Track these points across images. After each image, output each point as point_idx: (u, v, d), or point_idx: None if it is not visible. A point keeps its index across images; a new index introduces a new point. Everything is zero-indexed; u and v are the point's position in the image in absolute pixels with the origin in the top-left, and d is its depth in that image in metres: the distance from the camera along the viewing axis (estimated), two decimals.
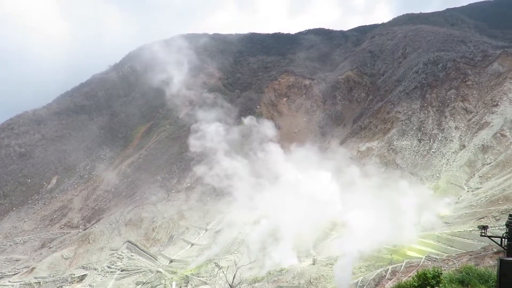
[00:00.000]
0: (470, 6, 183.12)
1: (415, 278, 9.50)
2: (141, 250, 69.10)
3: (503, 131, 69.98)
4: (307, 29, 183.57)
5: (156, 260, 66.55)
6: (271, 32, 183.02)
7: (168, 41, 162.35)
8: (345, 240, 46.89)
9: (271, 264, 52.21)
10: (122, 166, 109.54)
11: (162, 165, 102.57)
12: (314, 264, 48.03)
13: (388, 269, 38.39)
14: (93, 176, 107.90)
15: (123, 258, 66.51)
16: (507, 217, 11.31)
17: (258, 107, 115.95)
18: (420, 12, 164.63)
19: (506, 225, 10.77)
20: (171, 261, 65.97)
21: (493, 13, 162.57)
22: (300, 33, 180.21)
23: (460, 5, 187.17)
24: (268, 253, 56.24)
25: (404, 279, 29.86)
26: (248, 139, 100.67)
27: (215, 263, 57.10)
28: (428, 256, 39.99)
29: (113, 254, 69.19)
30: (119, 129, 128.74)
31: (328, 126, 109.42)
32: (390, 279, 35.79)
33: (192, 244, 70.81)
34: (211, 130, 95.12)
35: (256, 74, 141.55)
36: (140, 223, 79.29)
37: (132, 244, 70.68)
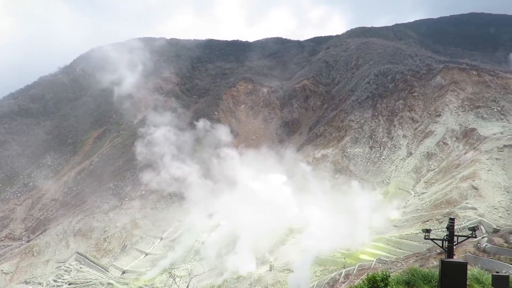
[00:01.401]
0: (416, 22, 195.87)
1: (365, 281, 9.91)
2: (91, 261, 65.75)
3: (445, 139, 75.11)
4: (265, 37, 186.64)
5: (107, 271, 63.58)
6: (229, 39, 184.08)
7: (123, 44, 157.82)
8: (302, 245, 47.77)
9: (228, 272, 51.83)
10: (72, 173, 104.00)
11: (115, 172, 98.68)
12: (271, 270, 48.34)
13: (342, 273, 39.56)
14: (39, 184, 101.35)
15: (71, 270, 62.86)
16: (448, 220, 12.12)
17: (216, 113, 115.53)
18: (372, 26, 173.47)
19: (447, 228, 11.49)
20: (123, 272, 63.34)
21: (436, 30, 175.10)
22: (258, 41, 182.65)
23: (408, 21, 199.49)
24: (225, 260, 55.81)
25: (356, 282, 30.91)
26: (202, 144, 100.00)
27: (170, 272, 55.64)
28: (379, 258, 41.75)
29: (60, 266, 65.18)
30: (68, 134, 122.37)
31: (285, 133, 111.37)
32: (344, 282, 36.89)
33: (147, 254, 68.54)
34: (162, 135, 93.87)
35: (214, 80, 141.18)
36: (90, 233, 75.48)
37: (81, 255, 67.09)
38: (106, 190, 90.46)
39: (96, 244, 72.96)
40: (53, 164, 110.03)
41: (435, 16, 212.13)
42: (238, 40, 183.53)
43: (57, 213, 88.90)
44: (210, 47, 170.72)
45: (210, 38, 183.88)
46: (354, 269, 39.59)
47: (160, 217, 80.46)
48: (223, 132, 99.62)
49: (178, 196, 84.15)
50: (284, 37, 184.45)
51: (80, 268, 63.50)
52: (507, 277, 10.83)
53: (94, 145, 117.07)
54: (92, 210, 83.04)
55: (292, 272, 43.78)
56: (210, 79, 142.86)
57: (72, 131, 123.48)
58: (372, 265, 39.00)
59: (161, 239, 72.98)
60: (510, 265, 24.01)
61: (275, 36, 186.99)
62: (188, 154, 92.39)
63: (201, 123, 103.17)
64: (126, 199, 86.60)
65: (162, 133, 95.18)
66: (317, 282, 40.27)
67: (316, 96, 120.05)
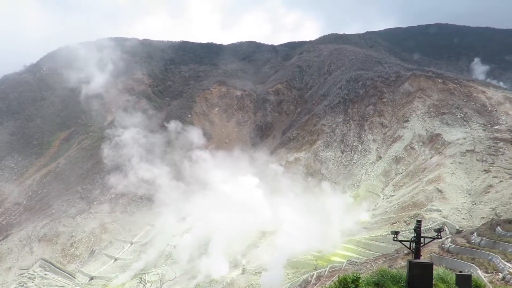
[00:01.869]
0: (386, 30, 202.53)
1: (337, 283, 10.17)
2: (57, 268, 63.20)
3: (413, 144, 77.95)
4: (239, 41, 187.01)
5: (74, 278, 61.34)
6: (203, 41, 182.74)
7: (93, 42, 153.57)
8: (274, 248, 48.05)
9: (201, 276, 51.32)
10: (37, 176, 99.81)
11: (84, 175, 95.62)
12: (243, 273, 48.30)
13: (313, 275, 40.13)
14: (0, 187, 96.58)
15: (35, 277, 60.15)
16: (415, 222, 12.58)
17: (189, 116, 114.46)
18: (344, 33, 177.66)
19: (414, 230, 11.95)
20: (91, 279, 61.32)
21: (404, 39, 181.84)
22: (232, 44, 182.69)
23: (378, 29, 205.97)
24: (198, 264, 55.25)
25: (327, 284, 31.47)
26: (174, 146, 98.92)
27: (140, 278, 54.42)
28: (350, 260, 42.68)
29: (23, 274, 62.25)
30: (33, 135, 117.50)
31: (258, 136, 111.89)
32: (315, 284, 37.43)
33: (116, 259, 66.71)
34: (130, 137, 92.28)
35: (187, 82, 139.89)
36: (56, 238, 72.69)
37: (47, 261, 64.35)
38: (73, 194, 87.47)
39: (63, 250, 70.33)
40: (16, 167, 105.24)
41: (403, 26, 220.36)
42: (212, 42, 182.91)
43: (20, 218, 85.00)
44: (184, 49, 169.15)
45: (184, 40, 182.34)
46: (325, 270, 40.27)
47: (131, 221, 78.67)
48: (195, 135, 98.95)
49: (149, 199, 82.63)
50: (258, 41, 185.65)
51: (45, 275, 60.89)
52: (470, 276, 11.42)
53: (61, 147, 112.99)
54: (58, 215, 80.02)
55: (266, 271, 43.98)
56: (183, 81, 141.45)
57: (37, 132, 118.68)
58: (343, 266, 39.82)
59: (132, 243, 71.31)
60: (472, 264, 25.22)
61: (249, 39, 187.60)
62: (159, 156, 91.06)
63: (173, 125, 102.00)
64: (95, 203, 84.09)
65: (130, 135, 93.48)
66: (289, 284, 40.66)
67: (289, 100, 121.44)
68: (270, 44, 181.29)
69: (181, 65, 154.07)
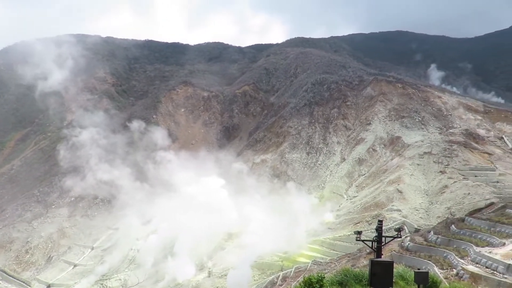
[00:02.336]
0: (350, 36, 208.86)
1: (302, 284, 10.30)
2: (10, 276, 59.64)
3: (375, 146, 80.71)
4: (206, 41, 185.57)
5: (29, 286, 58.17)
6: (169, 41, 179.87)
7: (52, 38, 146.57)
8: (241, 250, 48.00)
9: (166, 280, 50.30)
10: None
11: (41, 177, 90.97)
12: (209, 276, 47.88)
13: (279, 276, 40.47)
14: None
15: None
16: (377, 222, 12.96)
17: (154, 116, 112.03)
18: (309, 37, 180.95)
19: (376, 229, 12.34)
20: (48, 286, 58.42)
21: (367, 44, 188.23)
22: (199, 44, 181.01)
23: (342, 34, 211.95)
24: (162, 268, 54.11)
25: (293, 284, 31.84)
26: (137, 147, 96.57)
27: (102, 284, 52.53)
28: (314, 260, 43.42)
29: None
30: None
31: (225, 138, 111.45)
32: (281, 285, 37.77)
33: (75, 265, 63.93)
34: (89, 137, 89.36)
35: (153, 82, 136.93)
36: (9, 244, 68.61)
37: None
38: (29, 197, 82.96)
39: (17, 257, 66.50)
40: None
41: (366, 32, 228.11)
42: (178, 42, 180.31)
43: None
44: (149, 48, 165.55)
45: (149, 38, 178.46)
46: (291, 271, 40.73)
47: (91, 225, 75.72)
48: (160, 135, 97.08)
49: (111, 202, 79.99)
50: (225, 42, 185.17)
51: None
52: (427, 273, 11.96)
53: (16, 148, 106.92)
54: (13, 219, 75.62)
55: (233, 270, 43.81)
56: (148, 81, 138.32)
57: None
58: (308, 267, 40.44)
59: (92, 248, 68.64)
60: (429, 262, 26.43)
61: (216, 40, 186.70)
62: (120, 157, 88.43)
63: (136, 125, 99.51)
64: (53, 206, 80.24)
65: (89, 135, 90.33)
66: (255, 286, 40.77)
67: (256, 102, 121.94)
68: (237, 45, 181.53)
69: (146, 64, 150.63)
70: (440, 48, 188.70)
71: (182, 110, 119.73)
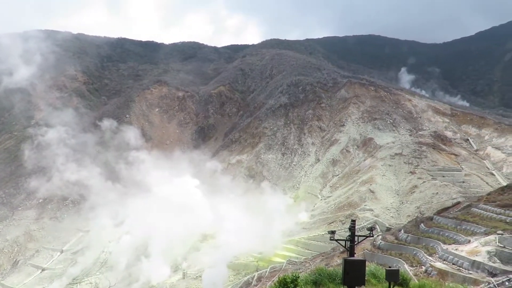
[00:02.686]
0: (324, 38, 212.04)
1: (277, 284, 10.40)
2: None
3: (348, 147, 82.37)
4: (181, 41, 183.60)
5: None
6: (143, 39, 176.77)
7: (20, 34, 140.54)
8: (216, 251, 47.75)
9: (139, 282, 49.34)
10: None
11: (6, 178, 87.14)
12: (184, 278, 47.38)
13: (254, 276, 40.57)
14: None
15: None
16: (350, 221, 13.22)
17: (127, 116, 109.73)
18: (285, 39, 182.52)
19: (349, 229, 12.61)
20: None
21: (340, 48, 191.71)
22: (174, 44, 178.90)
23: (317, 37, 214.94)
24: (136, 270, 53.04)
25: (268, 284, 32.00)
26: (109, 147, 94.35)
27: None
28: (289, 260, 43.83)
29: None
30: None
31: (200, 138, 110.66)
32: (256, 285, 37.87)
33: (43, 269, 61.66)
34: (57, 136, 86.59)
35: (126, 81, 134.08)
36: None
37: None
38: None
39: None
40: None
41: (340, 35, 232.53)
42: (152, 41, 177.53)
43: None
44: (122, 46, 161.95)
45: (122, 36, 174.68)
46: (266, 271, 40.92)
47: (61, 228, 73.25)
48: (133, 135, 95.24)
49: (81, 203, 77.66)
50: (201, 42, 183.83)
51: None
52: (397, 270, 12.33)
53: None
54: None
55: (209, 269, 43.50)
56: (121, 80, 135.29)
57: None
58: (283, 266, 40.77)
59: (62, 251, 66.43)
60: (400, 259, 27.25)
61: (191, 40, 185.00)
62: (91, 157, 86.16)
63: (108, 125, 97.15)
64: (19, 208, 77.07)
65: (57, 134, 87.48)
66: (231, 287, 40.68)
67: (232, 103, 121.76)
68: (212, 45, 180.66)
69: (119, 62, 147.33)
70: (411, 52, 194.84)
71: (157, 109, 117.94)
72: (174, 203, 57.16)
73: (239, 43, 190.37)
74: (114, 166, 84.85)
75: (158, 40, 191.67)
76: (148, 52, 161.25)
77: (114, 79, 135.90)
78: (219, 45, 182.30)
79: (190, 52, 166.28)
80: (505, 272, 20.11)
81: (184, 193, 60.23)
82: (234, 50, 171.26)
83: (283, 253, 49.52)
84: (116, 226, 66.03)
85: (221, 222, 54.99)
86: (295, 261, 42.26)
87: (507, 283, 18.93)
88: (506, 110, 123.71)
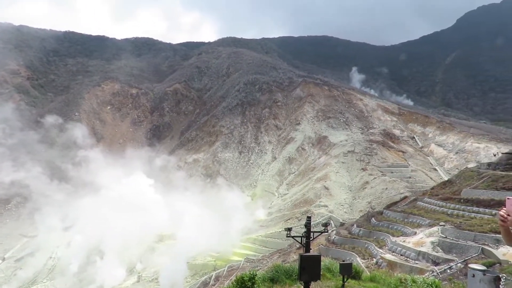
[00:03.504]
0: (280, 38, 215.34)
1: (234, 283, 10.39)
2: None
3: (304, 145, 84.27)
4: (135, 36, 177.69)
5: None
6: (93, 33, 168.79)
7: None
8: (172, 253, 46.84)
9: (93, 286, 47.15)
10: None
11: None
12: (139, 281, 45.98)
13: (212, 276, 40.31)
14: None
15: None
16: (306, 218, 13.48)
17: (77, 114, 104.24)
18: (241, 37, 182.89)
19: (305, 225, 12.90)
20: None
21: (296, 47, 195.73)
22: (127, 39, 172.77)
23: (273, 37, 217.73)
24: (88, 275, 50.61)
25: (226, 283, 31.97)
26: (56, 146, 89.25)
27: None
28: (247, 258, 44.06)
29: None
30: None
31: (155, 137, 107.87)
32: (214, 285, 37.65)
33: None
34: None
35: (75, 77, 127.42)
36: None
37: None
38: None
39: None
40: None
41: (295, 35, 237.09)
42: (104, 36, 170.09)
43: None
44: (70, 40, 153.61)
45: (70, 30, 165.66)
46: (223, 270, 40.82)
47: (2, 234, 68.06)
48: (83, 134, 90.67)
49: (26, 207, 72.66)
50: (155, 38, 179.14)
51: None
52: (351, 264, 12.81)
53: None
54: None
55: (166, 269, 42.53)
56: (70, 76, 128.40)
57: None
58: (241, 265, 40.90)
59: (3, 259, 61.74)
60: (353, 253, 28.39)
61: (146, 36, 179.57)
62: (31, 156, 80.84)
63: (52, 122, 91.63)
64: None
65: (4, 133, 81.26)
66: (188, 287, 40.13)
67: (188, 101, 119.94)
68: (168, 42, 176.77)
69: (67, 57, 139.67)
70: (361, 54, 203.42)
71: (108, 107, 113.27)
72: (128, 203, 55.21)
73: (195, 40, 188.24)
74: (60, 166, 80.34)
75: (110, 34, 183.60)
76: (99, 47, 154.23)
77: (61, 75, 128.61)
78: (174, 42, 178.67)
79: (144, 48, 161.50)
80: (447, 261, 21.64)
81: (138, 193, 58.43)
82: (190, 48, 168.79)
83: (241, 251, 49.68)
84: (65, 229, 62.53)
85: (177, 222, 54.02)
86: (253, 259, 42.56)
87: (448, 271, 20.39)
88: (447, 109, 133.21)
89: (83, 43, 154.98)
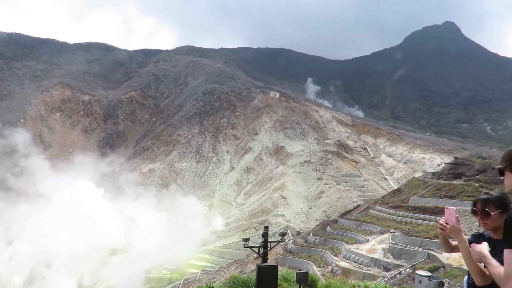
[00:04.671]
0: (239, 49, 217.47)
1: None
2: None
3: (261, 155, 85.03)
4: (88, 41, 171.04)
5: None
6: (42, 36, 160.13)
7: None
8: (126, 267, 44.91)
9: None
10: None
11: None
12: None
13: None
14: None
15: None
16: (263, 228, 13.58)
17: (22, 120, 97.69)
18: (200, 46, 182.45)
19: (262, 235, 12.98)
20: None
21: (254, 59, 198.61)
22: (80, 44, 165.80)
23: (231, 47, 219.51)
24: None
25: None
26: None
27: None
28: (204, 270, 43.28)
29: None
30: None
31: (109, 146, 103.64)
32: None
33: None
34: None
35: (21, 82, 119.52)
36: None
37: None
38: None
39: None
40: None
41: (254, 46, 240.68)
42: (54, 39, 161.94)
43: None
44: (16, 43, 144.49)
45: (16, 31, 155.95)
46: (180, 283, 39.77)
47: None
48: (28, 141, 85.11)
49: None
50: (110, 43, 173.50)
51: None
52: (307, 273, 13.03)
53: None
54: None
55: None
56: (15, 80, 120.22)
57: None
58: (197, 277, 40.09)
59: None
60: (309, 261, 28.89)
61: (100, 41, 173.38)
62: None
63: None
64: None
65: None
66: None
67: (144, 109, 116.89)
68: (124, 48, 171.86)
69: (13, 60, 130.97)
70: (317, 67, 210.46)
71: (58, 114, 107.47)
72: (76, 213, 52.28)
73: (152, 48, 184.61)
74: (6, 178, 74.68)
75: (61, 38, 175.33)
76: (48, 50, 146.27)
77: (5, 79, 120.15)
78: (130, 48, 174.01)
79: (98, 53, 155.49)
80: (397, 266, 22.65)
81: (87, 203, 55.58)
82: (147, 55, 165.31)
83: (198, 263, 48.70)
84: (6, 244, 57.80)
85: (131, 234, 51.96)
86: (210, 271, 41.91)
87: (398, 276, 21.33)
88: (396, 122, 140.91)
89: (31, 46, 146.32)
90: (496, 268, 2.60)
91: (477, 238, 2.97)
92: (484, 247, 2.82)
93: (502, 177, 2.72)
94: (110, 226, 54.48)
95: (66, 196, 56.70)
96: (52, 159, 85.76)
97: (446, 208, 2.90)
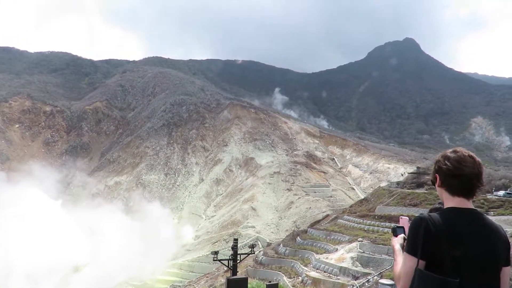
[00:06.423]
0: (207, 60, 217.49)
1: None
2: None
3: (231, 167, 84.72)
4: (50, 50, 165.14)
5: None
6: (1, 44, 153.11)
7: None
8: (91, 284, 42.94)
9: None
10: None
11: None
12: None
13: None
14: None
15: None
16: (233, 240, 13.50)
17: None
18: (168, 58, 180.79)
19: (232, 248, 12.89)
20: None
21: (224, 70, 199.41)
22: (41, 53, 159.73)
23: (200, 58, 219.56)
24: None
25: None
26: None
27: None
28: (173, 285, 42.16)
29: None
30: None
31: (72, 158, 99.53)
32: None
33: None
34: None
35: None
36: None
37: None
38: None
39: None
40: None
41: (223, 58, 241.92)
42: (13, 47, 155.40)
43: None
44: None
45: None
46: None
47: None
48: None
49: None
50: (74, 53, 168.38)
51: None
52: (277, 284, 13.06)
53: None
54: None
55: None
56: None
57: None
58: None
59: None
60: (279, 272, 28.85)
61: (63, 51, 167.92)
62: None
63: None
64: None
65: None
66: None
67: (109, 120, 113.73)
68: (88, 58, 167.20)
69: None
70: (285, 79, 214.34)
71: (17, 125, 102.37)
72: (34, 228, 49.55)
73: (119, 58, 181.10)
74: None
75: (20, 47, 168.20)
76: (6, 59, 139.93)
77: None
78: (95, 59, 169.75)
79: (60, 63, 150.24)
80: (365, 274, 23.09)
81: (53, 220, 52.93)
82: (113, 65, 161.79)
83: (166, 278, 47.43)
84: None
85: (95, 249, 49.86)
86: (179, 286, 40.91)
87: (366, 284, 21.74)
88: (361, 133, 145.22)
89: None
90: (397, 265, 2.51)
91: (395, 231, 2.85)
92: (398, 240, 2.75)
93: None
94: (72, 241, 52.09)
95: (22, 209, 53.68)
96: (10, 172, 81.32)
97: (401, 217, 3.00)
